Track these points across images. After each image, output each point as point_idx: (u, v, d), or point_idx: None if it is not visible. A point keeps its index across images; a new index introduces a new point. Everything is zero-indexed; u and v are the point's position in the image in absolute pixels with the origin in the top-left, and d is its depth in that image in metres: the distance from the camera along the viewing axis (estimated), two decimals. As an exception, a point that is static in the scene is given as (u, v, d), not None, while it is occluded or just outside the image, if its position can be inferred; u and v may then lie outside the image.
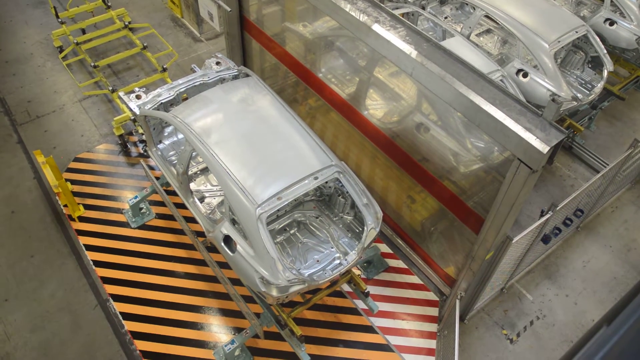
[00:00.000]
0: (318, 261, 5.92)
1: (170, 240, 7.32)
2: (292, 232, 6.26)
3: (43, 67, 9.93)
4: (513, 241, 5.43)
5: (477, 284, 6.14)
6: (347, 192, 5.80)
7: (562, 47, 7.97)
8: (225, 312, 6.63)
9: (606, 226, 8.03)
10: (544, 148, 4.36)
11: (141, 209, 7.57)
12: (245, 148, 5.68)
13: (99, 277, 6.91)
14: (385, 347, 6.43)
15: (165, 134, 7.18)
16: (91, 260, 7.07)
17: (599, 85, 8.17)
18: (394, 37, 5.39)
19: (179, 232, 7.38)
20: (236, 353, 6.11)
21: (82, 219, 7.51)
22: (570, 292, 7.21)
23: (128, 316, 6.54)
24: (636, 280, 7.31)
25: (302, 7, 7.01)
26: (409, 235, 7.04)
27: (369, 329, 6.57)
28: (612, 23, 8.80)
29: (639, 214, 8.23)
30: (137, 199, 7.26)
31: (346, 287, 6.85)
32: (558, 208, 6.07)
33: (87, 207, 7.64)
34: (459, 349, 5.54)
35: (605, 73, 8.19)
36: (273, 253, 5.05)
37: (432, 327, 6.65)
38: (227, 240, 5.48)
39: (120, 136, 8.25)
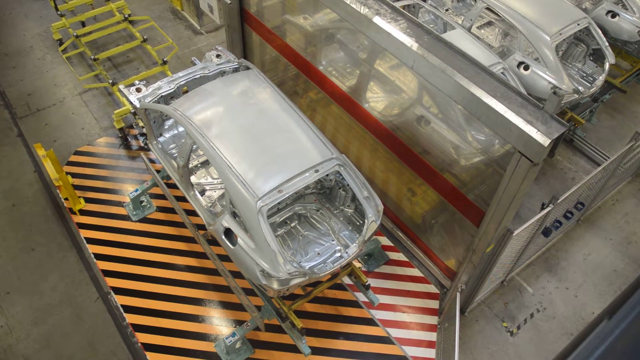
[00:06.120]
0: (319, 254, 5.93)
1: (171, 233, 7.33)
2: (292, 225, 6.27)
3: (43, 60, 9.90)
4: (514, 234, 5.43)
5: (478, 277, 6.15)
6: (348, 185, 5.79)
7: (564, 40, 7.92)
8: (226, 305, 6.66)
9: (607, 219, 8.03)
10: (545, 141, 4.35)
11: (142, 202, 7.57)
12: (245, 141, 5.67)
13: (100, 270, 6.93)
14: (385, 340, 6.45)
15: (166, 127, 7.18)
16: (92, 253, 7.09)
17: (600, 77, 8.14)
18: (394, 30, 5.37)
19: (180, 225, 7.39)
20: (237, 345, 6.14)
21: (83, 212, 7.52)
22: (571, 285, 7.22)
23: (129, 309, 6.57)
24: (636, 274, 7.32)
25: (302, -1, 6.98)
26: (409, 228, 7.05)
27: (370, 322, 6.60)
28: (614, 15, 8.74)
29: (640, 206, 8.23)
30: (138, 192, 7.26)
31: (347, 280, 6.86)
32: (559, 201, 6.07)
33: (88, 200, 7.65)
34: (459, 342, 5.56)
35: (606, 65, 8.14)
36: (274, 246, 5.06)
37: (433, 320, 6.67)
38: (228, 233, 5.49)
39: (121, 129, 8.24)
